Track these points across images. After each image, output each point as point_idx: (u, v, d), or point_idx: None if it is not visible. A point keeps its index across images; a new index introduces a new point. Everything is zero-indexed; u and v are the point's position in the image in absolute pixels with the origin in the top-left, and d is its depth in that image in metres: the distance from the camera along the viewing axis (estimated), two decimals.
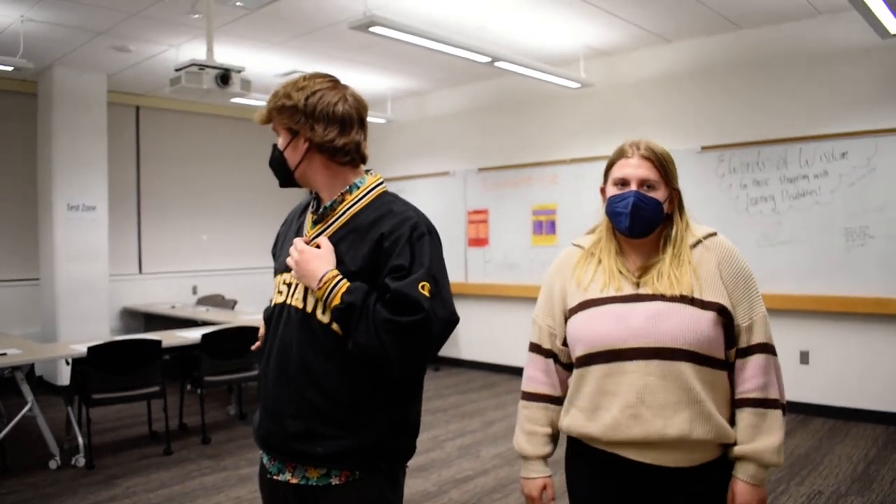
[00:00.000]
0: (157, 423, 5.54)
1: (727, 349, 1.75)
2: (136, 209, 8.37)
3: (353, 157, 1.80)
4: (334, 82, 1.79)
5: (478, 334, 8.19)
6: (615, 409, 1.71)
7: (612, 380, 1.72)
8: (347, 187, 1.81)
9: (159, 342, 5.03)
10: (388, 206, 1.77)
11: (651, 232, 1.80)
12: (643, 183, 1.77)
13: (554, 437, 1.94)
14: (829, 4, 5.40)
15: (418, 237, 1.70)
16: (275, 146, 1.82)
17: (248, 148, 9.12)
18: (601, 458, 1.78)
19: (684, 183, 1.93)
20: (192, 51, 6.22)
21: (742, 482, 1.72)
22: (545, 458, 1.93)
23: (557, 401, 1.91)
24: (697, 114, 6.41)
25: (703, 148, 6.25)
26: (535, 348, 1.94)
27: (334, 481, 1.72)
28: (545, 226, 7.48)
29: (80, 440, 4.85)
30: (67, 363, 5.04)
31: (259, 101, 6.66)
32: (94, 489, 4.37)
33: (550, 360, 1.91)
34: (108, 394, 4.86)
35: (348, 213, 1.77)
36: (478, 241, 8.10)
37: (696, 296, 1.72)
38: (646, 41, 6.49)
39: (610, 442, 1.74)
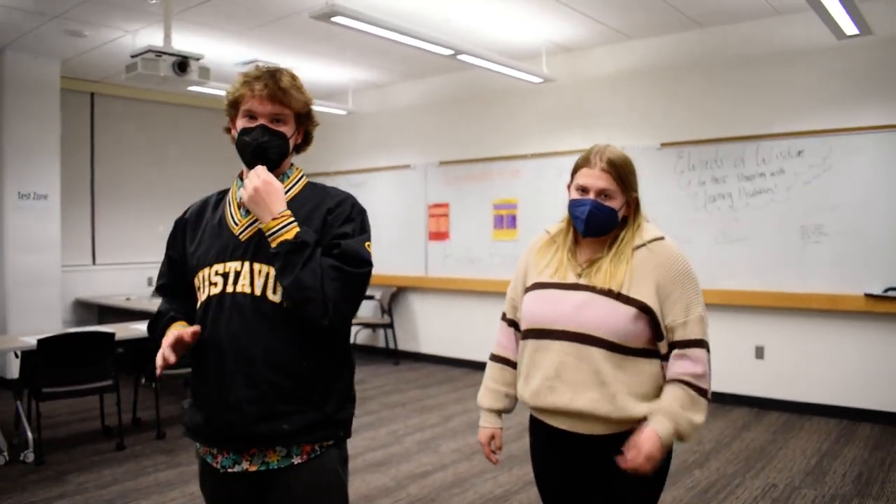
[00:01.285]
0: (109, 417, 5.42)
1: (656, 342, 1.94)
2: (89, 198, 8.17)
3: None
4: None
5: (438, 329, 8.18)
6: (538, 379, 1.99)
7: (540, 354, 2.00)
8: (281, 176, 1.89)
9: (112, 335, 4.92)
10: (323, 190, 1.89)
11: (605, 234, 2.01)
12: (601, 192, 1.96)
13: (508, 396, 2.18)
14: (787, 5, 5.49)
15: (359, 212, 1.85)
16: (282, 133, 1.83)
17: (205, 137, 8.97)
18: (535, 422, 2.09)
19: (644, 179, 2.02)
20: (150, 37, 6.08)
21: (655, 432, 1.85)
22: (498, 412, 2.19)
23: (514, 364, 2.17)
24: (657, 111, 6.46)
25: (663, 144, 6.31)
26: (503, 317, 2.22)
27: (296, 460, 1.76)
28: (506, 220, 7.48)
29: (30, 435, 4.72)
30: (17, 356, 4.90)
31: (217, 91, 6.55)
32: (43, 485, 4.26)
33: (512, 329, 2.19)
34: (59, 387, 4.74)
35: (286, 196, 1.83)
36: (438, 235, 8.08)
37: (624, 292, 1.91)
38: (608, 38, 6.52)
39: (535, 408, 2.04)
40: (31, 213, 6.95)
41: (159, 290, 2.02)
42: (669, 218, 6.16)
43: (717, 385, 6.14)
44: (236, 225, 1.84)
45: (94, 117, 8.21)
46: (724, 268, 5.99)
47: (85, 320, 7.82)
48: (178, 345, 1.73)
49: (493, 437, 2.18)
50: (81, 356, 4.80)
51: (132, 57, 4.86)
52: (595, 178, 1.96)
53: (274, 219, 1.72)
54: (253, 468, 1.76)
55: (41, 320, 6.85)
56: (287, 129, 1.84)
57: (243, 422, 1.73)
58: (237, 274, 1.78)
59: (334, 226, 1.78)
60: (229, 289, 1.78)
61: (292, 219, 1.73)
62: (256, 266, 1.77)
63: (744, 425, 5.48)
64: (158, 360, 1.74)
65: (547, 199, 6.91)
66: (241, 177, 1.92)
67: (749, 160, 5.90)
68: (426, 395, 6.69)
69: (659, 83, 6.48)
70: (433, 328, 8.25)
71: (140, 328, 5.40)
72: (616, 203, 1.97)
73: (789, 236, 5.71)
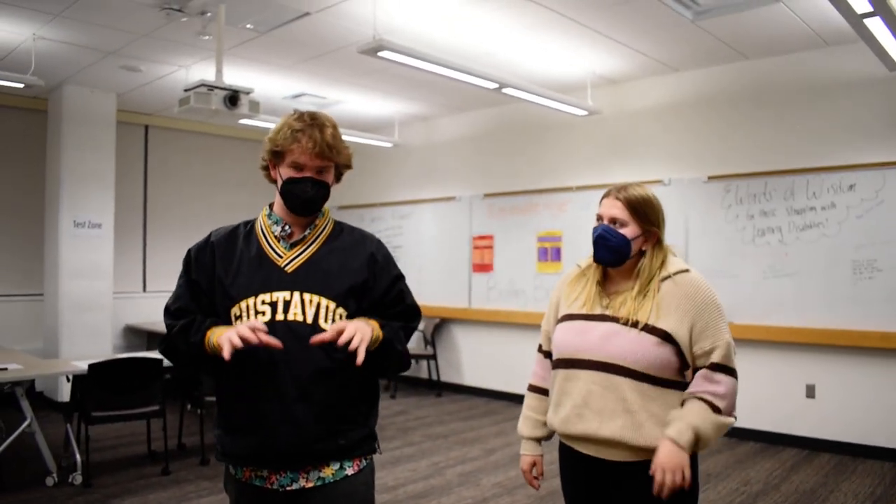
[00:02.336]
0: (156, 442, 5.50)
1: (682, 370, 2.01)
2: (141, 227, 8.39)
3: None
4: None
5: (481, 361, 8.15)
6: (568, 407, 2.07)
7: (569, 383, 2.08)
8: (319, 213, 2.05)
9: (161, 361, 5.00)
10: (355, 230, 2.09)
11: (618, 262, 2.09)
12: (613, 220, 2.08)
13: (546, 424, 2.24)
14: (836, 36, 5.42)
15: (389, 253, 2.10)
16: (326, 183, 1.97)
17: (253, 168, 9.10)
18: (565, 448, 2.16)
19: (690, 213, 2.06)
20: (202, 72, 6.26)
21: (666, 440, 1.91)
22: (537, 439, 2.27)
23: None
24: (704, 143, 6.41)
25: (710, 178, 6.25)
26: (539, 348, 2.32)
27: (349, 472, 1.92)
28: (550, 252, 7.46)
29: (78, 458, 4.81)
30: (68, 380, 5.02)
31: (266, 123, 6.70)
32: None
33: (548, 360, 2.25)
34: (108, 412, 4.84)
35: (322, 235, 2.01)
36: (482, 267, 8.08)
37: (651, 322, 1.99)
38: (654, 70, 6.51)
39: (564, 435, 2.12)
40: (86, 241, 7.16)
41: (177, 312, 2.03)
42: (717, 252, 6.08)
43: (766, 424, 6.03)
44: (280, 257, 1.96)
45: (147, 149, 8.45)
46: (772, 303, 5.87)
47: (134, 346, 7.98)
48: (253, 331, 1.76)
49: (534, 465, 2.27)
50: (130, 382, 4.89)
51: (185, 91, 5.00)
52: (608, 207, 2.10)
53: (374, 331, 1.87)
54: (310, 484, 1.88)
55: (92, 345, 7.01)
56: (329, 178, 1.99)
57: (305, 440, 1.85)
58: (287, 303, 1.89)
59: (386, 268, 2.02)
60: (279, 316, 1.89)
61: (368, 320, 1.89)
62: (307, 296, 1.90)
63: (793, 466, 5.32)
64: (246, 334, 1.74)
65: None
66: (270, 207, 2.06)
67: (799, 194, 5.80)
68: (468, 427, 6.65)
69: (706, 115, 6.43)
70: (476, 360, 8.21)
71: None
72: (629, 232, 2.07)
73: (841, 271, 5.58)
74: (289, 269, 1.93)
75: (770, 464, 5.37)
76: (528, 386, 2.33)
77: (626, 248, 2.06)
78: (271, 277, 1.92)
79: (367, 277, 1.97)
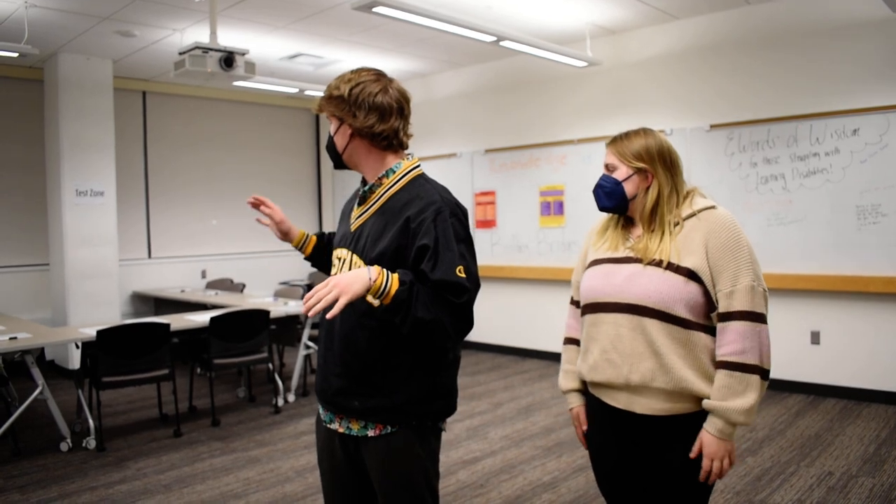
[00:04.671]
0: (166, 405, 5.58)
1: (710, 313, 1.92)
2: (144, 194, 8.38)
3: (392, 143, 1.98)
4: (378, 75, 1.98)
5: (486, 316, 8.18)
6: (596, 353, 2.02)
7: (596, 328, 2.03)
8: (385, 171, 1.99)
9: (168, 325, 5.05)
10: (416, 190, 1.93)
11: (618, 206, 2.06)
12: (606, 167, 2.09)
13: None
14: None
15: (442, 220, 1.86)
16: (330, 135, 2.04)
17: (256, 132, 9.18)
18: (594, 401, 2.10)
19: (693, 162, 2.04)
20: (197, 35, 6.21)
21: (709, 434, 1.88)
22: (578, 391, 2.21)
23: None
24: (706, 92, 6.34)
25: (712, 126, 6.19)
26: (571, 300, 2.29)
27: (370, 433, 1.95)
28: (553, 206, 7.44)
29: (91, 423, 4.89)
30: (77, 347, 5.07)
31: (264, 85, 6.65)
32: (104, 471, 4.40)
33: (579, 311, 2.18)
34: (118, 377, 4.89)
35: (384, 196, 1.97)
36: (485, 223, 8.07)
37: (674, 261, 1.92)
38: (653, 18, 6.41)
39: (591, 383, 2.08)
40: (89, 210, 7.16)
41: None
42: (720, 200, 5.99)
43: (771, 371, 6.03)
44: (353, 216, 2.06)
45: (146, 115, 8.40)
46: (777, 251, 5.87)
47: (142, 312, 8.03)
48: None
49: (578, 416, 2.23)
50: (139, 346, 4.94)
51: (180, 54, 4.96)
52: (605, 157, 2.10)
53: (375, 280, 1.73)
54: (341, 430, 2.01)
55: (100, 312, 7.07)
56: (332, 127, 2.03)
57: (329, 391, 2.00)
58: (343, 261, 2.02)
59: (416, 236, 1.84)
60: (337, 273, 2.01)
61: (383, 271, 1.76)
62: (355, 258, 1.97)
63: (798, 412, 5.37)
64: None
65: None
66: None
67: (802, 140, 5.75)
68: (475, 382, 6.71)
69: (707, 63, 6.35)
70: (481, 316, 8.19)
71: (194, 319, 5.52)
72: (619, 174, 2.04)
73: (845, 217, 5.56)
74: (353, 227, 2.03)
75: (776, 410, 5.42)
76: (563, 340, 2.28)
77: (618, 190, 2.03)
78: (344, 234, 2.07)
79: (403, 244, 1.86)
